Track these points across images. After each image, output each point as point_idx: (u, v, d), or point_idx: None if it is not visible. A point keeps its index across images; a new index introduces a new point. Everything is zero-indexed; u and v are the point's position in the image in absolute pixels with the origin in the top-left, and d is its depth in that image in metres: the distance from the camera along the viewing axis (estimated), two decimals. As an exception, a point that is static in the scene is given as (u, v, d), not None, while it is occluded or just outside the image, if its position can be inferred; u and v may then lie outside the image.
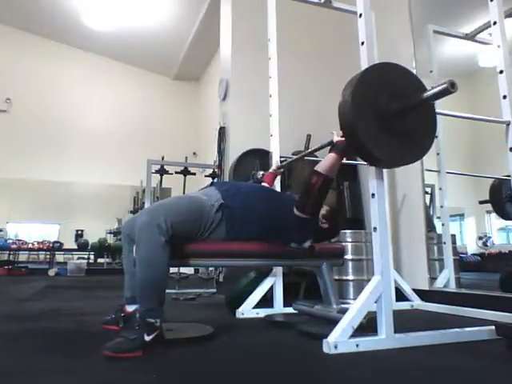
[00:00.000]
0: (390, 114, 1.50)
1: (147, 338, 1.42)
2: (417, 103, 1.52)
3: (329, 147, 1.93)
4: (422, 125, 1.60)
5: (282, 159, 2.58)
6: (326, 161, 1.72)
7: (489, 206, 3.20)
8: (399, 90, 1.54)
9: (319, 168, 1.70)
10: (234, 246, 1.76)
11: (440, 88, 1.37)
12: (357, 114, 1.48)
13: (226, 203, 1.74)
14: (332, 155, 1.71)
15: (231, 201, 1.76)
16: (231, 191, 1.82)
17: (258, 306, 2.36)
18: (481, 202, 3.17)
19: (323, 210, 1.89)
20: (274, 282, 2.46)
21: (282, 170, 2.44)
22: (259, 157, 2.48)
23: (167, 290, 1.63)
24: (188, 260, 1.69)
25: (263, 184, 2.27)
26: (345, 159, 1.80)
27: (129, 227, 1.85)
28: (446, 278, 2.76)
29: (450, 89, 1.33)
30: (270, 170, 2.36)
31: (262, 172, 2.42)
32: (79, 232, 8.77)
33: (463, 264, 3.06)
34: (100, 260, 8.12)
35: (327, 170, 1.69)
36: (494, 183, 2.93)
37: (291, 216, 1.76)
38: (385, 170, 1.76)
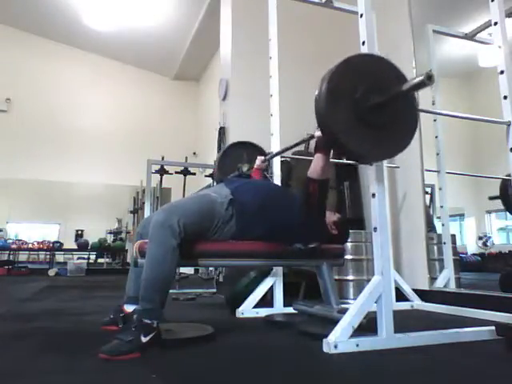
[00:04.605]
0: (368, 107, 1.45)
1: (144, 340, 1.41)
2: (395, 95, 1.47)
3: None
4: (401, 118, 1.54)
5: (283, 158, 2.57)
6: (314, 164, 1.68)
7: (489, 206, 3.20)
8: (378, 82, 1.49)
9: (311, 174, 1.67)
10: (234, 246, 1.76)
11: (417, 80, 1.35)
12: (332, 107, 1.43)
13: (236, 198, 1.74)
14: (317, 156, 1.67)
15: (241, 197, 1.76)
16: (241, 188, 1.81)
17: (258, 305, 2.37)
18: (490, 198, 3.12)
19: (334, 217, 1.89)
20: (274, 281, 2.46)
21: (266, 163, 2.40)
22: (246, 149, 2.44)
23: (167, 290, 1.63)
24: (189, 260, 1.68)
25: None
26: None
27: (142, 227, 1.86)
28: (446, 278, 2.77)
29: (425, 81, 1.30)
30: (255, 166, 2.32)
31: (246, 165, 2.39)
32: (79, 232, 8.77)
33: (463, 264, 3.06)
34: (100, 260, 8.12)
35: (319, 173, 1.66)
36: (505, 180, 2.82)
37: (299, 216, 1.74)
38: (385, 170, 1.76)
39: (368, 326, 1.53)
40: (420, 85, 1.35)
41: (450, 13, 3.25)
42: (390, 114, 1.49)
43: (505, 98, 1.98)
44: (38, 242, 7.55)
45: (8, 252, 7.43)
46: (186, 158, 5.42)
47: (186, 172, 4.55)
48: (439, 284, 2.77)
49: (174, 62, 9.04)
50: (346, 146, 1.45)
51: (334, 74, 1.45)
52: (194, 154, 8.79)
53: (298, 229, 1.76)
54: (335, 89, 1.44)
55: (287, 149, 2.41)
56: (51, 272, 6.68)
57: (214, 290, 3.64)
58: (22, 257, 7.81)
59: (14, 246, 7.39)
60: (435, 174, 2.95)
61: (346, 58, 1.50)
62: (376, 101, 1.45)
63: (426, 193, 3.09)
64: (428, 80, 1.30)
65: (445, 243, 2.82)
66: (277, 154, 2.55)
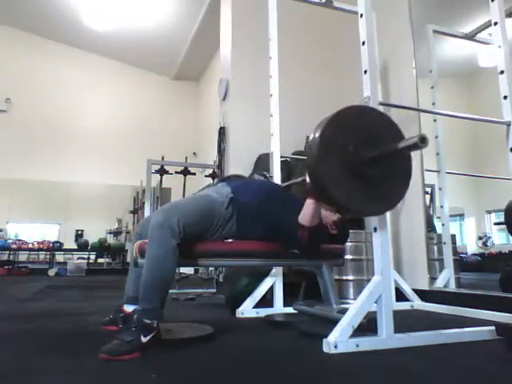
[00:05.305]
0: (360, 161, 1.42)
1: (144, 340, 1.41)
2: (388, 153, 1.44)
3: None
4: (395, 172, 1.51)
5: (283, 158, 2.58)
6: (305, 210, 1.64)
7: (489, 206, 3.20)
8: (371, 137, 1.46)
9: (301, 219, 1.64)
10: (234, 246, 1.76)
11: (410, 142, 1.33)
12: (323, 159, 1.39)
13: (236, 197, 1.74)
14: (309, 202, 1.63)
15: (241, 195, 1.76)
16: (242, 187, 1.81)
17: (258, 305, 2.36)
18: (496, 224, 3.10)
19: (334, 217, 1.88)
20: (274, 281, 2.46)
21: None
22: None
23: (167, 290, 1.63)
24: (189, 260, 1.68)
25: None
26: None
27: (141, 227, 1.87)
28: (446, 278, 2.77)
29: (419, 143, 1.29)
30: None
31: None
32: (79, 232, 8.77)
33: (463, 264, 3.06)
34: (100, 260, 8.12)
35: (309, 220, 1.62)
36: (510, 204, 2.76)
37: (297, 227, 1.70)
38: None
39: (368, 326, 1.53)
40: (413, 146, 1.33)
41: (450, 13, 3.25)
42: (382, 169, 1.45)
43: (505, 98, 1.98)
44: (38, 242, 7.55)
45: (8, 252, 7.44)
46: (186, 158, 5.41)
47: (185, 172, 4.54)
48: (439, 284, 2.77)
49: (173, 62, 9.04)
50: (335, 198, 1.41)
51: (328, 126, 1.42)
52: (194, 154, 8.79)
53: (295, 237, 1.74)
54: (328, 141, 1.40)
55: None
56: (51, 272, 6.68)
57: (214, 290, 3.63)
58: (22, 257, 7.81)
59: (14, 246, 7.39)
60: (435, 174, 2.95)
61: (339, 109, 1.47)
62: (369, 156, 1.42)
63: (426, 193, 3.09)
64: (422, 143, 1.28)
65: (445, 243, 2.82)
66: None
